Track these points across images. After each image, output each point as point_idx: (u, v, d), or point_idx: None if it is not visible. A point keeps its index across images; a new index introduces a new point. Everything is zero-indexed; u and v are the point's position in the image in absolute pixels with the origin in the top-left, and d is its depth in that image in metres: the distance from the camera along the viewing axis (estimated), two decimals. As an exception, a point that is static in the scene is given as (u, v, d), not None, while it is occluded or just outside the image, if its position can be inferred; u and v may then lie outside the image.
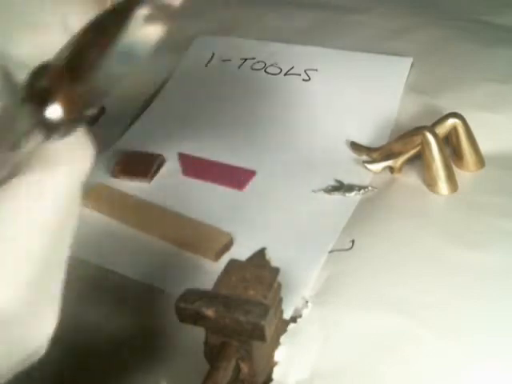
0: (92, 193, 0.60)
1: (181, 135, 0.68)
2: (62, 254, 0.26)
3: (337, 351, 0.43)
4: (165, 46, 0.25)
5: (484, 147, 0.59)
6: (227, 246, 0.53)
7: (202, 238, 0.54)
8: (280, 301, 0.41)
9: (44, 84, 0.19)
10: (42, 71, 0.19)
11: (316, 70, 0.72)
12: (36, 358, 0.25)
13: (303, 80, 0.72)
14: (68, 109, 0.19)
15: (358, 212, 0.56)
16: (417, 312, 0.45)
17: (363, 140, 0.65)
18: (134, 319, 0.48)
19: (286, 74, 0.72)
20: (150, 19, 0.19)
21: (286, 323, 0.45)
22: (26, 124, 0.19)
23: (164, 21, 0.19)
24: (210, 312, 0.36)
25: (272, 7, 0.86)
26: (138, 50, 0.19)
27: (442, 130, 0.59)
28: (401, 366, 0.42)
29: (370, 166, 0.61)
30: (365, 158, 0.63)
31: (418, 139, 0.57)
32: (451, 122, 0.59)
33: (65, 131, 0.19)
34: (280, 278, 0.40)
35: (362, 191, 0.59)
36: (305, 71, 0.72)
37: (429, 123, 0.59)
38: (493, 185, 0.57)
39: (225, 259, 0.48)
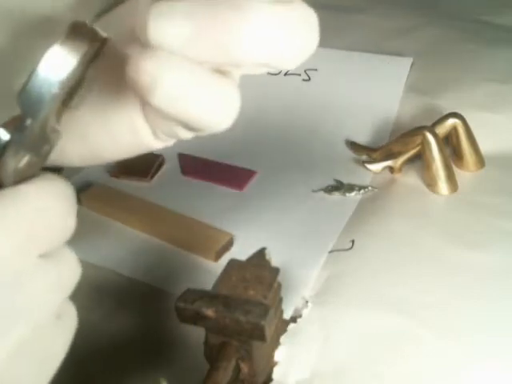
0: (92, 193, 0.60)
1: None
2: None
3: (337, 351, 0.43)
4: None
5: (484, 147, 0.59)
6: (227, 246, 0.53)
7: (202, 238, 0.54)
8: (280, 301, 0.41)
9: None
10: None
11: (316, 69, 0.72)
12: None
13: (303, 80, 0.72)
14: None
15: (358, 212, 0.56)
16: (417, 312, 0.45)
17: (363, 140, 0.65)
18: (134, 319, 0.48)
19: (286, 74, 0.72)
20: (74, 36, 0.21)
21: (286, 323, 0.45)
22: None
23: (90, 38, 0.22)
24: (210, 312, 0.36)
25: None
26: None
27: (442, 129, 0.59)
28: (401, 365, 0.42)
29: (369, 166, 0.61)
30: (365, 157, 0.63)
31: (418, 139, 0.57)
32: (451, 121, 0.59)
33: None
34: (280, 278, 0.40)
35: (362, 191, 0.59)
36: (305, 71, 0.72)
37: (429, 123, 0.59)
38: (493, 185, 0.57)
39: (225, 259, 0.48)
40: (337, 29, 0.79)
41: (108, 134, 0.28)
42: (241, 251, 0.44)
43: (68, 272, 0.24)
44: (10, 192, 0.22)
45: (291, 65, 0.24)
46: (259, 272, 0.39)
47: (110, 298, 0.50)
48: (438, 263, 0.49)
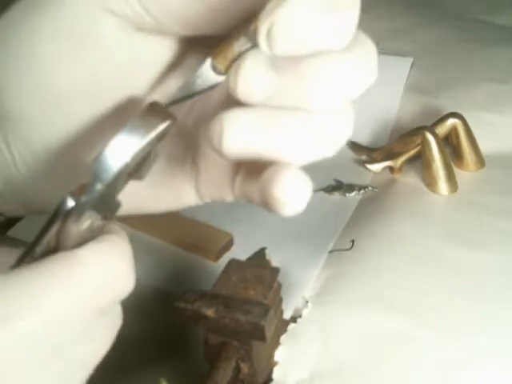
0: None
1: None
2: None
3: (337, 351, 0.43)
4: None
5: (484, 147, 0.59)
6: (227, 246, 0.53)
7: (203, 239, 0.54)
8: (280, 301, 0.41)
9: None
10: None
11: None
12: None
13: (303, 80, 0.72)
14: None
15: (358, 212, 0.56)
16: (417, 312, 0.45)
17: (363, 140, 0.65)
18: (133, 319, 0.48)
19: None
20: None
21: (286, 323, 0.45)
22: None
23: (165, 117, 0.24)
24: (210, 312, 0.36)
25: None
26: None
27: (442, 129, 0.59)
28: (401, 366, 0.42)
29: (370, 166, 0.61)
30: (365, 158, 0.63)
31: (417, 139, 0.57)
32: (451, 122, 0.59)
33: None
34: (280, 278, 0.40)
35: (362, 191, 0.59)
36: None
37: (429, 123, 0.59)
38: (493, 185, 0.57)
39: (225, 259, 0.48)
40: (337, 29, 0.79)
41: (153, 197, 0.30)
42: (241, 251, 0.44)
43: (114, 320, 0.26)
44: (67, 256, 0.22)
45: (358, 95, 0.26)
46: (259, 272, 0.39)
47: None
48: (438, 263, 0.49)
